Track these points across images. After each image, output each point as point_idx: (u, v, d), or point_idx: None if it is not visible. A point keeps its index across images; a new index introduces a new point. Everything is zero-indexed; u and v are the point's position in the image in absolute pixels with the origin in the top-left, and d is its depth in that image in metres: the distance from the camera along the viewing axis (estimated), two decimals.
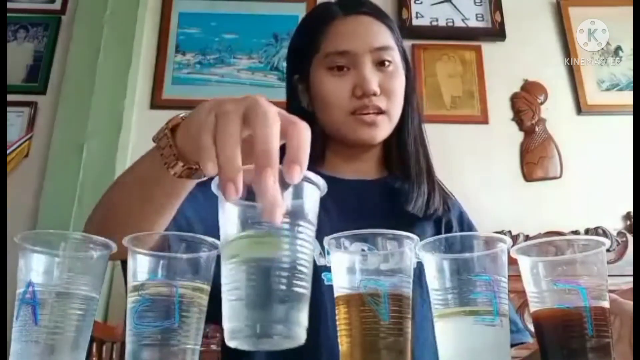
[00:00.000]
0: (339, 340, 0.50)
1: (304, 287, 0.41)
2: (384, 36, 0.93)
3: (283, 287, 0.40)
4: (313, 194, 0.44)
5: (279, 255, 0.41)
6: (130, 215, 0.62)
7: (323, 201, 0.45)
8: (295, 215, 0.42)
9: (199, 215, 0.76)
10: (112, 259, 0.66)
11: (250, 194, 0.41)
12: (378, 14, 0.96)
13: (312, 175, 0.43)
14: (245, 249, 0.41)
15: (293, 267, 0.41)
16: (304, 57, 0.95)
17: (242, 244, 0.41)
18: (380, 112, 0.90)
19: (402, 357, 0.48)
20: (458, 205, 1.02)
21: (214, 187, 0.43)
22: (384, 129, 0.91)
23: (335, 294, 0.51)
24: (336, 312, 0.51)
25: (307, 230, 0.43)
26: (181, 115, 0.55)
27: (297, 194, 0.43)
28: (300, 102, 0.95)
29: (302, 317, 0.41)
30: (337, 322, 0.50)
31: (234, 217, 0.42)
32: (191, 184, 0.59)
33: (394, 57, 0.93)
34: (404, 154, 0.95)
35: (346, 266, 0.51)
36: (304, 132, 0.43)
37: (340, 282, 0.51)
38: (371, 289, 0.49)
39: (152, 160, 0.57)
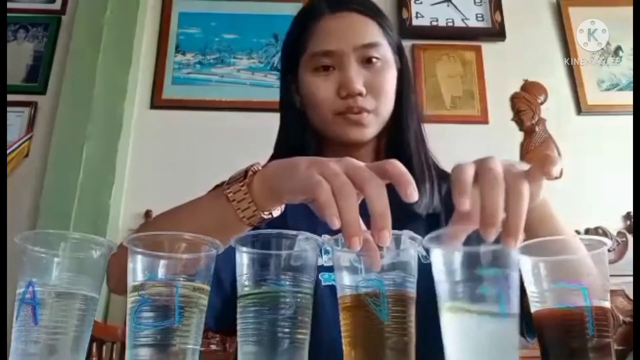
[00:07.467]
0: (342, 341, 0.50)
1: (304, 334, 0.49)
2: (370, 33, 0.91)
3: (287, 333, 0.48)
4: (315, 250, 0.52)
5: (282, 305, 0.49)
6: None
7: None
8: (298, 270, 0.50)
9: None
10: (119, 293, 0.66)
11: (263, 246, 0.50)
12: (366, 10, 0.93)
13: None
14: (259, 300, 0.49)
15: (295, 315, 0.48)
16: (293, 57, 0.94)
17: (256, 296, 0.50)
18: (367, 111, 0.89)
19: (405, 358, 0.48)
20: None
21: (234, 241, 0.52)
22: (372, 126, 0.90)
23: (338, 294, 0.52)
24: (340, 313, 0.52)
25: (308, 282, 0.51)
26: (253, 168, 0.61)
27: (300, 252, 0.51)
28: (294, 102, 0.95)
29: None
30: (341, 324, 0.51)
31: (249, 270, 0.50)
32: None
33: (383, 53, 0.91)
34: (405, 151, 0.93)
35: (346, 265, 0.51)
36: (383, 195, 0.51)
37: (341, 282, 0.52)
38: (370, 289, 0.49)
39: (218, 211, 0.62)
